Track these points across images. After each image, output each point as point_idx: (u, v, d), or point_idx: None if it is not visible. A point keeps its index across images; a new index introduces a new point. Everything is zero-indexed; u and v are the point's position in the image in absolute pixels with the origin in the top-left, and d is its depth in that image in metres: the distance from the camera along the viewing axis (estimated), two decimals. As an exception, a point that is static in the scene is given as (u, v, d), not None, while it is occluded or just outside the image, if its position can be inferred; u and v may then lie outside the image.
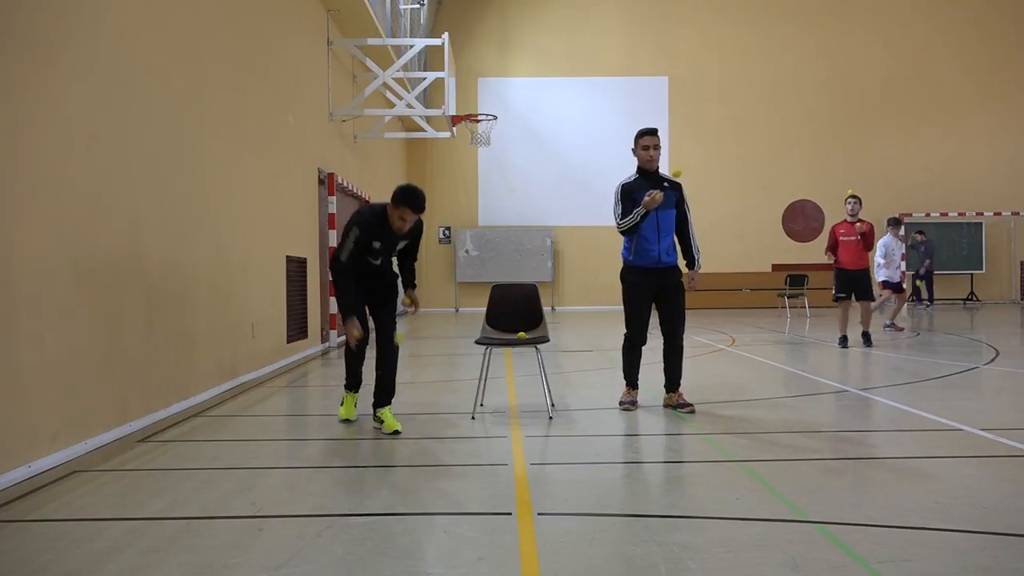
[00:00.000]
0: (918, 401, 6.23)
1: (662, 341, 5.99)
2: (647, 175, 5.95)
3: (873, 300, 10.42)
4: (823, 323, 15.05)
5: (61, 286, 4.54)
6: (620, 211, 5.91)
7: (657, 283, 5.92)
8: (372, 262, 5.40)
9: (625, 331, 6.03)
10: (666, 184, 5.92)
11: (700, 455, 4.77)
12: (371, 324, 5.54)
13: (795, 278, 16.86)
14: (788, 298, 17.26)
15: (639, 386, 6.10)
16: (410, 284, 5.75)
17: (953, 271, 21.69)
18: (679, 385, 5.99)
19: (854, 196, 10.28)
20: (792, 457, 4.54)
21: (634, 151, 6.01)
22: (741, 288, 20.92)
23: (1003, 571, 2.81)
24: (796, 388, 7.15)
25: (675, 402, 5.95)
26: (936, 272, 19.74)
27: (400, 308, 5.92)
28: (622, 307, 6.03)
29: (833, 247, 10.18)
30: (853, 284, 10.11)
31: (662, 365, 6.00)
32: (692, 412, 5.79)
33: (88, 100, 4.86)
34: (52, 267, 4.45)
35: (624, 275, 6.04)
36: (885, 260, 12.66)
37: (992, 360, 8.86)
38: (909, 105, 21.74)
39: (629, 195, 5.89)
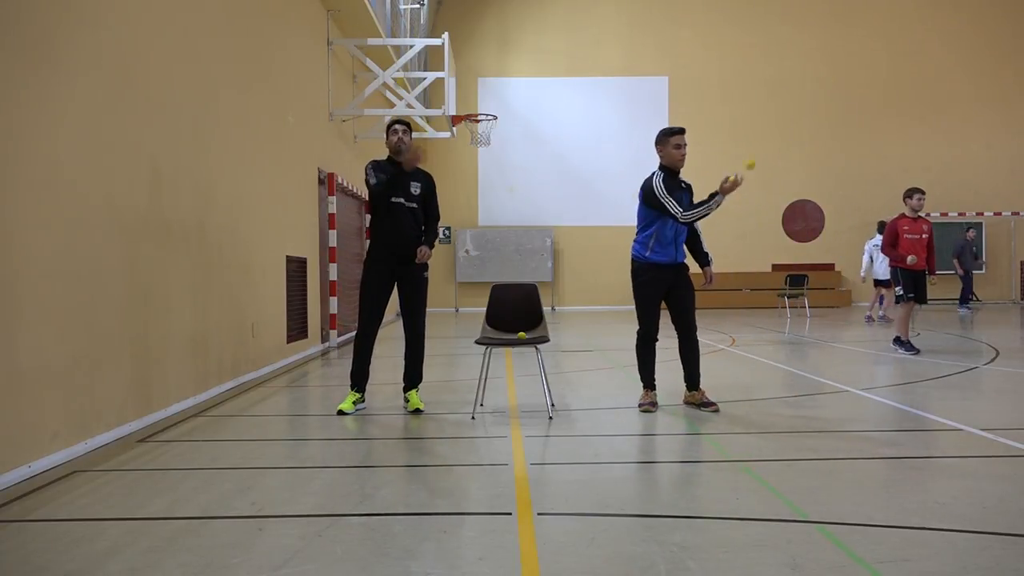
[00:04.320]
0: (918, 401, 6.22)
1: (677, 339, 5.94)
2: (671, 173, 5.90)
3: (926, 303, 9.68)
4: (823, 323, 15.05)
5: (61, 286, 4.54)
6: (674, 203, 5.72)
7: (670, 279, 5.90)
8: (404, 203, 6.00)
9: (638, 328, 5.98)
10: (683, 184, 5.95)
11: (700, 455, 4.78)
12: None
13: (795, 278, 16.85)
14: (788, 298, 17.25)
15: (656, 387, 6.00)
16: (426, 243, 6.03)
17: (953, 271, 21.67)
18: (699, 381, 5.92)
19: (922, 191, 9.45)
20: (792, 457, 4.54)
21: (660, 149, 5.93)
22: (741, 288, 20.92)
23: (1003, 571, 2.81)
24: (796, 388, 7.15)
25: (698, 400, 5.87)
26: (935, 272, 19.88)
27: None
28: (634, 305, 5.98)
29: (893, 243, 9.38)
30: (919, 284, 9.39)
31: (677, 363, 5.96)
32: (716, 411, 5.72)
33: (89, 101, 4.85)
34: (52, 267, 4.45)
35: (638, 272, 5.96)
36: (872, 260, 13.92)
37: (992, 360, 8.86)
38: (909, 105, 21.74)
39: (672, 191, 5.81)
